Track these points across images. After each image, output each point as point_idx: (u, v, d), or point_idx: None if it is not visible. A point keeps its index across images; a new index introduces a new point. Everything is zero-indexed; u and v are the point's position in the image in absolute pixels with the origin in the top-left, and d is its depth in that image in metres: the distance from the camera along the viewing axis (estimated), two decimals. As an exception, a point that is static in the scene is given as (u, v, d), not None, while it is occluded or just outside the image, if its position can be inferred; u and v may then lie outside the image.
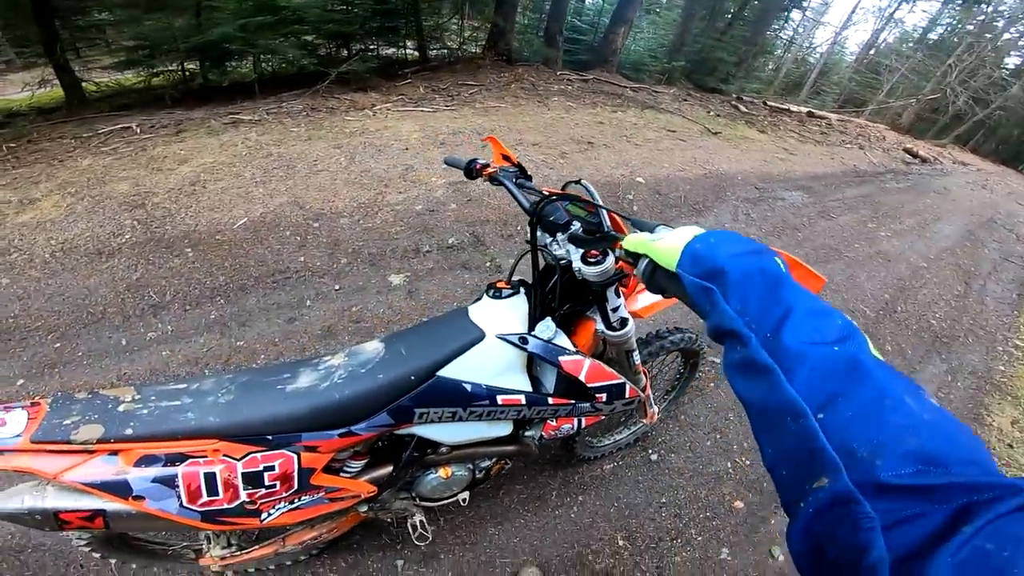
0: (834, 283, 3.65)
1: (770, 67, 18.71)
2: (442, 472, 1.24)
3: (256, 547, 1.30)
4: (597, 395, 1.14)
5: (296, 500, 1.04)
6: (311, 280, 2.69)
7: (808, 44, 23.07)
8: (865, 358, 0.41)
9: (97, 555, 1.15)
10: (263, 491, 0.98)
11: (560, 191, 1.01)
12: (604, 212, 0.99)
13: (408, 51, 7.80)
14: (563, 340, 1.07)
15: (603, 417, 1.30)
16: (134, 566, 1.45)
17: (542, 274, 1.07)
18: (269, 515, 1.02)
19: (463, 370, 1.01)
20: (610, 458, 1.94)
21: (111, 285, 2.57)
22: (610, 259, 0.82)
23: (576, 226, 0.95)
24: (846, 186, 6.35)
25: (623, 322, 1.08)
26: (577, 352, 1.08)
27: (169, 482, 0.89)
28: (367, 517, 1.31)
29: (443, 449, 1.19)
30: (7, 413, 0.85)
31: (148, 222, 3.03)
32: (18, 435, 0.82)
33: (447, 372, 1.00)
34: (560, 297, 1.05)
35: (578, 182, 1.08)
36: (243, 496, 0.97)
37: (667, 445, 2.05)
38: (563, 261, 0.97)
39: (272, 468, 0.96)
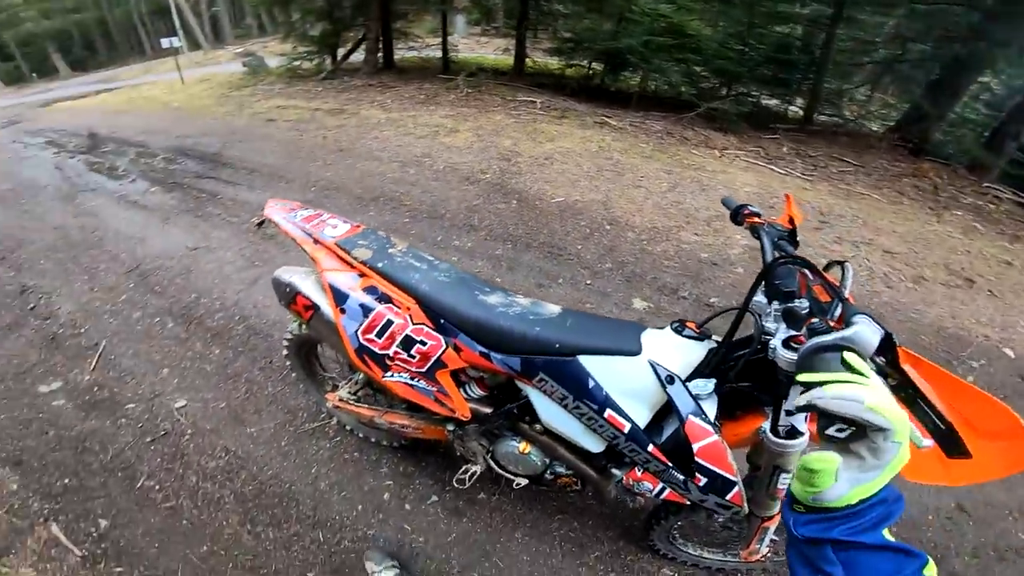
0: None
1: None
2: (522, 445, 1.30)
3: (365, 406, 1.57)
4: (697, 475, 1.00)
5: (415, 380, 1.24)
6: (574, 266, 3.05)
7: None
8: None
9: (284, 353, 1.71)
10: (404, 356, 1.20)
11: (810, 263, 0.86)
12: (841, 304, 0.81)
13: (791, 107, 7.27)
14: (709, 408, 0.97)
15: (687, 502, 1.12)
16: (294, 375, 1.94)
17: (736, 341, 0.96)
18: (391, 376, 1.25)
19: (599, 368, 1.03)
20: (678, 568, 1.58)
21: (458, 201, 3.54)
22: None
23: (802, 304, 0.81)
24: None
25: (792, 433, 0.85)
26: (710, 424, 0.96)
27: (366, 311, 1.19)
28: (446, 439, 1.46)
29: (537, 426, 1.24)
30: (342, 223, 1.36)
31: (504, 172, 3.96)
32: (333, 237, 1.30)
33: (586, 360, 1.04)
34: (741, 371, 0.93)
35: (842, 264, 0.92)
36: (392, 349, 1.20)
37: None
38: (767, 336, 0.84)
39: (424, 344, 1.18)
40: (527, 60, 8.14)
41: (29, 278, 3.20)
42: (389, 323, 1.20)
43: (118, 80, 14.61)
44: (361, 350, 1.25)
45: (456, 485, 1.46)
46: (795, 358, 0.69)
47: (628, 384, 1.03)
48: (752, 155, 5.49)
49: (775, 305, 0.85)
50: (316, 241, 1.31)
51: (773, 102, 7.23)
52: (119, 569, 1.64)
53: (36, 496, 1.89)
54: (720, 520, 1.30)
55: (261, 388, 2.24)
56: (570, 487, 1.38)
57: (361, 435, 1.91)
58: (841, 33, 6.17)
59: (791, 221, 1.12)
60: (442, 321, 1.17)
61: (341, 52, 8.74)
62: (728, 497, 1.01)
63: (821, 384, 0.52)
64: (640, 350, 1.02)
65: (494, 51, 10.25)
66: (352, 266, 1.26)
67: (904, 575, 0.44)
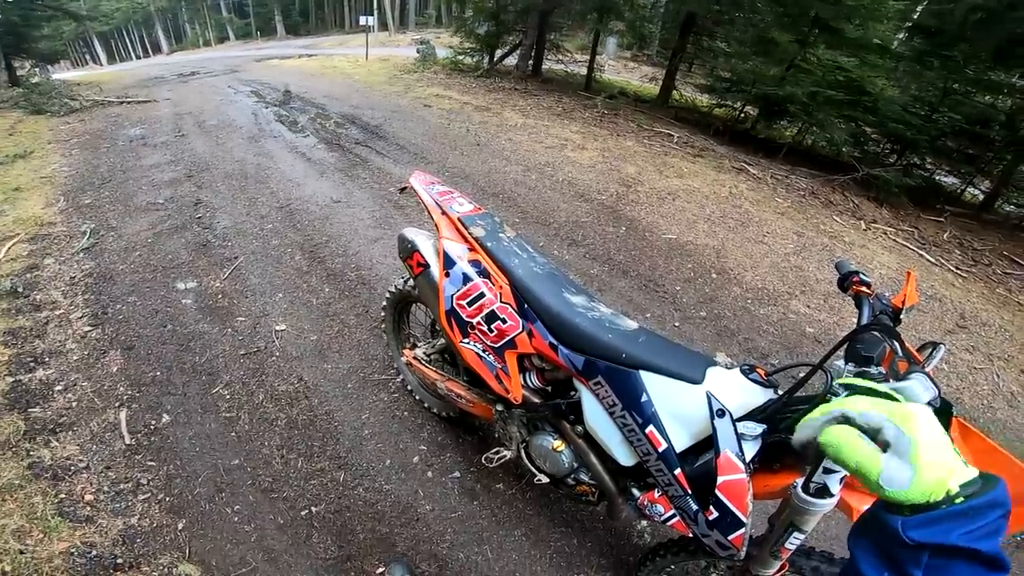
0: None
1: None
2: (556, 443, 1.36)
3: (432, 369, 1.73)
4: (710, 508, 1.00)
5: (484, 353, 1.37)
6: (667, 305, 2.99)
7: None
8: None
9: (383, 304, 1.93)
10: (484, 328, 1.34)
11: (899, 336, 0.87)
12: (919, 378, 0.79)
13: (972, 190, 6.23)
14: (749, 449, 0.97)
15: (690, 534, 1.09)
16: (383, 326, 2.09)
17: (800, 397, 0.98)
18: (466, 343, 1.40)
19: (657, 386, 1.08)
20: None
21: (568, 213, 3.66)
22: None
23: (878, 372, 0.83)
24: None
25: (821, 492, 0.85)
26: (743, 464, 0.96)
27: (466, 279, 1.35)
28: (491, 419, 1.56)
29: (579, 428, 1.29)
30: (467, 203, 1.54)
31: (620, 197, 3.99)
32: (459, 212, 1.48)
33: (646, 376, 1.09)
34: (791, 427, 0.94)
35: (935, 344, 0.89)
36: (476, 319, 1.35)
37: None
38: (830, 395, 0.84)
39: (504, 322, 1.30)
40: (673, 92, 8.01)
41: (205, 195, 3.95)
42: (481, 295, 1.35)
43: (318, 48, 17.11)
44: (451, 313, 1.42)
45: (484, 463, 1.52)
46: None
47: (679, 408, 1.06)
48: (903, 235, 4.85)
49: (850, 367, 0.86)
50: (443, 212, 1.51)
51: (948, 180, 6.26)
52: (151, 463, 1.80)
53: (127, 382, 2.13)
54: (713, 574, 1.28)
55: (351, 332, 2.53)
56: (586, 496, 1.40)
57: (418, 397, 2.08)
58: None
59: (903, 301, 1.08)
60: (525, 306, 1.29)
61: (498, 54, 9.34)
62: (731, 537, 1.00)
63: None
64: (702, 380, 1.05)
65: (641, 78, 10.20)
66: (466, 239, 1.44)
67: None
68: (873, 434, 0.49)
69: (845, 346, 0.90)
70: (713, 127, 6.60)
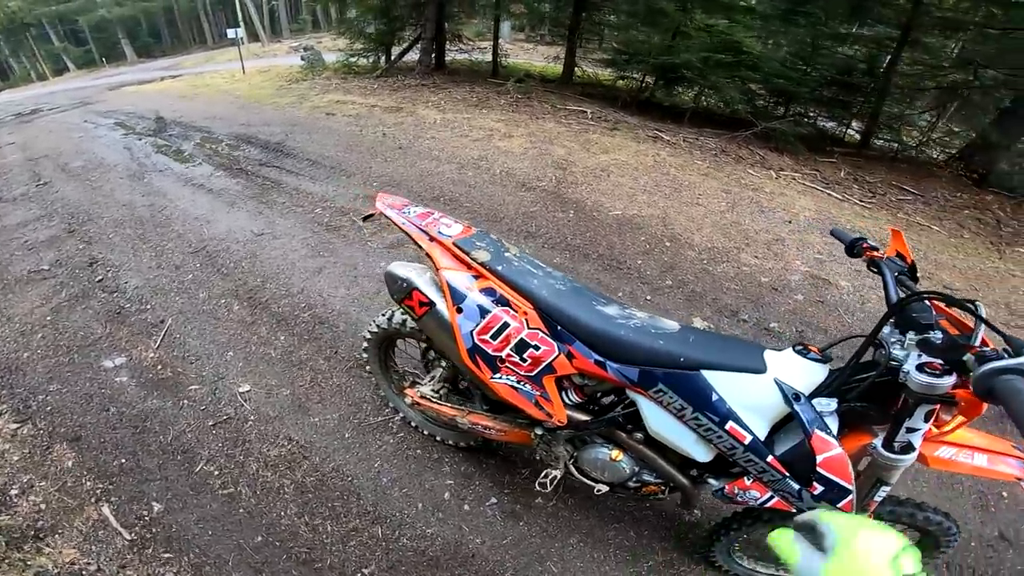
0: None
1: None
2: (613, 453, 1.31)
3: (448, 405, 1.57)
4: (814, 483, 1.05)
5: (520, 384, 1.26)
6: (634, 281, 3.02)
7: None
8: None
9: (364, 346, 1.75)
10: (516, 359, 1.23)
11: (948, 296, 0.94)
12: (981, 334, 0.87)
13: (849, 131, 7.06)
14: (832, 424, 1.03)
15: (793, 510, 1.15)
16: (368, 369, 1.92)
17: (858, 365, 1.04)
18: (499, 378, 1.27)
19: (723, 383, 1.07)
20: None
21: (515, 206, 3.57)
22: (948, 379, 0.81)
23: (937, 335, 0.90)
24: None
25: (906, 449, 0.97)
26: (834, 437, 1.02)
27: (483, 312, 1.23)
28: (530, 443, 1.47)
29: (637, 435, 1.26)
30: (454, 223, 1.38)
31: (560, 181, 3.97)
32: (450, 236, 1.33)
33: (710, 375, 1.07)
34: (861, 394, 1.00)
35: (973, 303, 0.94)
36: (505, 352, 1.23)
37: None
38: (893, 363, 0.92)
39: (537, 348, 1.20)
40: (576, 69, 8.16)
41: (98, 251, 3.34)
42: (505, 326, 1.22)
43: (181, 68, 15.31)
44: (474, 350, 1.27)
45: (539, 489, 1.47)
46: (929, 382, 0.81)
47: (751, 399, 1.07)
48: (809, 178, 5.36)
49: (910, 335, 0.93)
50: (432, 239, 1.34)
51: (830, 124, 7.05)
52: (167, 555, 1.62)
53: (90, 475, 1.87)
54: None
55: (326, 378, 2.27)
56: (654, 495, 1.39)
57: (426, 432, 1.92)
58: (906, 56, 5.99)
59: (902, 256, 1.17)
60: (559, 328, 1.19)
61: (396, 51, 8.93)
62: (840, 505, 1.06)
63: None
64: (766, 368, 1.06)
65: (543, 58, 10.30)
66: (469, 267, 1.28)
67: None
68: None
69: (893, 321, 0.97)
70: (620, 99, 6.81)
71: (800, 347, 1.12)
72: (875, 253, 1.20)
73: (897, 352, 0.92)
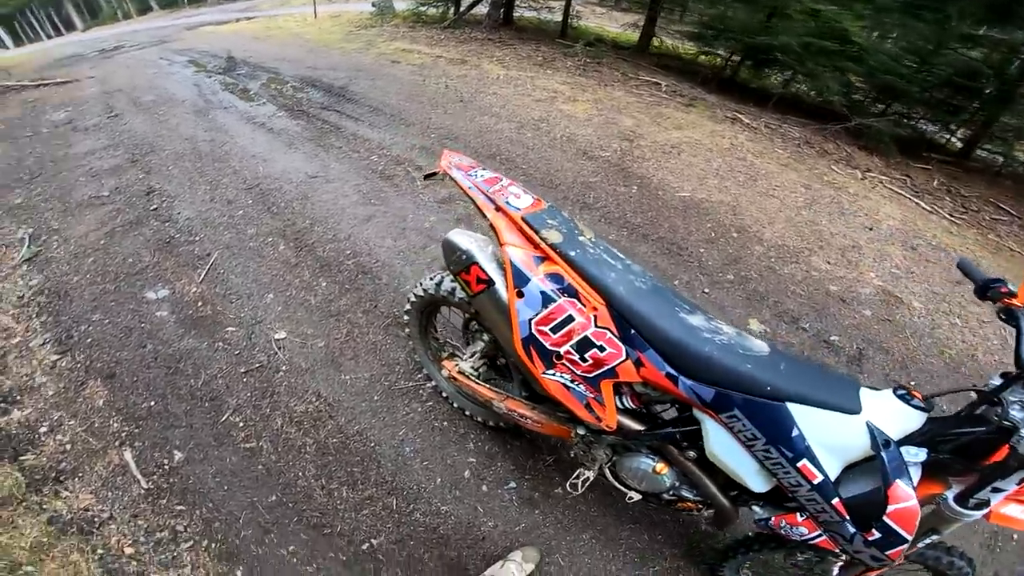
0: None
1: None
2: (658, 466, 1.22)
3: (486, 387, 1.47)
4: (871, 530, 0.97)
5: (574, 383, 1.15)
6: (693, 270, 2.81)
7: None
8: None
9: (407, 308, 1.65)
10: (576, 357, 1.11)
11: None
12: None
13: (951, 138, 6.30)
14: (915, 473, 0.97)
15: (837, 549, 1.07)
16: (407, 331, 1.83)
17: (963, 417, 0.97)
18: (551, 375, 1.16)
19: (808, 419, 0.97)
20: None
21: (574, 174, 3.38)
22: None
23: None
24: None
25: (980, 506, 0.92)
26: (913, 489, 0.95)
27: (547, 300, 1.10)
28: (568, 437, 1.38)
29: (691, 453, 1.17)
30: (525, 195, 1.24)
31: (625, 154, 3.72)
32: (519, 208, 1.19)
33: (795, 409, 0.97)
34: (959, 449, 0.94)
35: None
36: (564, 348, 1.11)
37: None
38: (1007, 423, 0.85)
39: (603, 350, 1.08)
40: (653, 40, 7.62)
41: (156, 181, 3.42)
42: (569, 319, 1.10)
43: (257, 10, 15.47)
44: (529, 340, 1.16)
45: (568, 490, 1.41)
46: None
47: (835, 440, 0.97)
48: (898, 183, 4.84)
49: None
50: (499, 208, 1.20)
51: (931, 128, 6.30)
52: (180, 507, 1.60)
53: (119, 416, 1.85)
54: (798, 560, 1.25)
55: (363, 333, 2.23)
56: (688, 511, 1.31)
57: (455, 405, 1.86)
58: None
59: None
60: (632, 331, 1.06)
61: (466, 2, 8.62)
62: (889, 552, 1.00)
63: None
64: (860, 409, 0.97)
65: (618, 25, 9.69)
66: (536, 246, 1.15)
67: None
68: None
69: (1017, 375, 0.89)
70: (700, 75, 6.32)
71: (902, 391, 1.01)
72: (1012, 301, 1.04)
73: (1016, 414, 0.85)
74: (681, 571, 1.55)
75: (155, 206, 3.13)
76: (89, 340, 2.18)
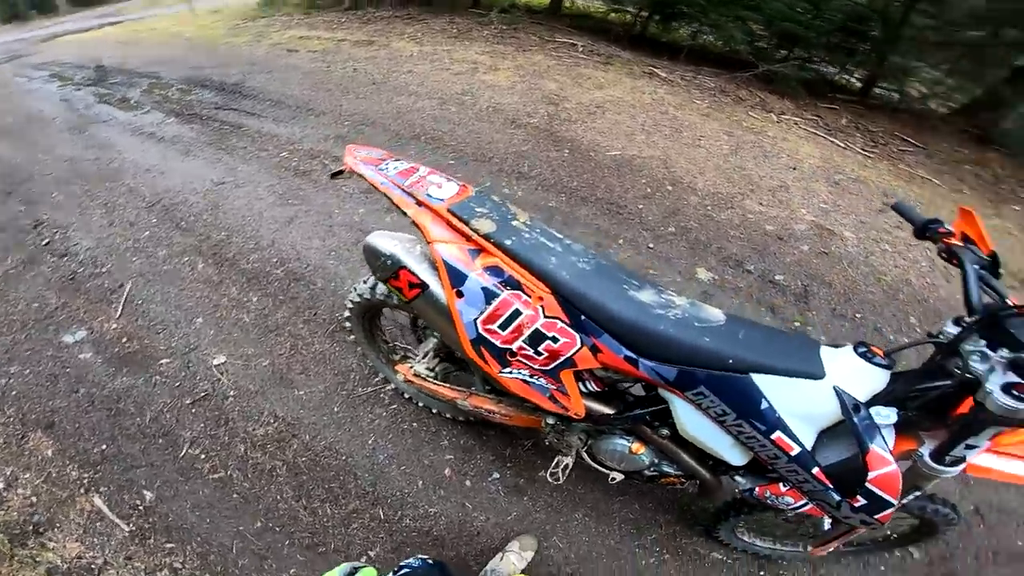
0: None
1: None
2: (634, 446, 1.19)
3: (446, 387, 1.39)
4: (857, 496, 0.96)
5: (534, 377, 1.09)
6: (635, 227, 2.80)
7: None
8: None
9: (346, 315, 1.51)
10: (530, 352, 1.04)
11: None
12: None
13: (850, 78, 6.75)
14: (889, 436, 0.94)
15: (828, 516, 1.08)
16: (352, 338, 1.73)
17: (925, 372, 0.94)
18: (509, 372, 1.10)
19: (775, 389, 0.93)
20: (728, 552, 1.55)
21: (505, 145, 3.28)
22: None
23: None
24: None
25: (956, 462, 0.89)
26: (890, 453, 0.92)
27: (489, 296, 1.01)
28: (540, 427, 1.33)
29: (664, 431, 1.14)
30: (448, 183, 1.11)
31: (552, 118, 3.64)
32: (442, 200, 1.06)
33: (760, 380, 0.93)
34: (927, 404, 0.92)
35: None
36: (517, 344, 1.04)
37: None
38: (970, 375, 0.82)
39: (556, 340, 1.01)
40: (564, 1, 7.54)
41: (42, 211, 2.99)
42: (516, 313, 1.01)
43: (123, 14, 13.72)
44: (479, 341, 1.06)
45: (551, 480, 1.37)
46: (1015, 406, 0.71)
47: (804, 408, 0.94)
48: (811, 124, 5.12)
49: (1002, 353, 0.81)
50: (420, 203, 1.07)
51: (831, 70, 6.71)
52: (170, 545, 1.54)
53: (74, 464, 1.76)
54: (788, 516, 1.26)
55: (307, 345, 2.06)
56: (672, 485, 1.31)
57: (420, 404, 1.75)
58: (923, 8, 5.66)
59: (975, 243, 1.02)
60: (582, 318, 0.98)
61: (364, -18, 8.08)
62: (878, 516, 0.99)
63: None
64: (824, 373, 0.93)
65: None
66: (468, 239, 1.03)
67: None
68: None
69: (980, 331, 0.85)
70: (612, 33, 6.33)
71: (863, 348, 0.98)
72: (952, 240, 1.02)
73: (976, 366, 0.81)
74: (678, 535, 1.56)
75: (47, 240, 2.73)
76: (14, 393, 1.96)
